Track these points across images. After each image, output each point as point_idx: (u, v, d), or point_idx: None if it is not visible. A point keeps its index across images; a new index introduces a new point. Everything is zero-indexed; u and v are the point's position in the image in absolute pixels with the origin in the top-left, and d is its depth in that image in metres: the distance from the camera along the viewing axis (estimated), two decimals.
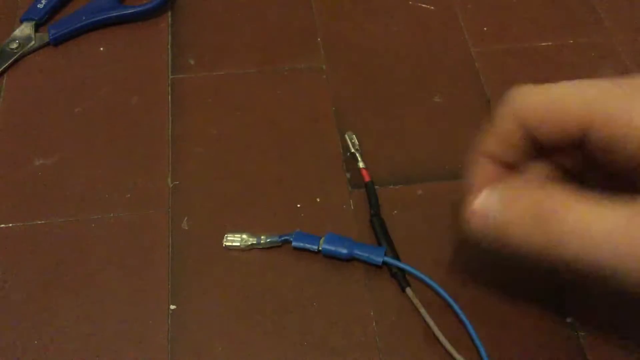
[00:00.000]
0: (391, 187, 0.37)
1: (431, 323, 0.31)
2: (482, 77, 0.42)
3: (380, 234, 0.34)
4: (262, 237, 0.34)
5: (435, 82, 0.41)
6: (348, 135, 0.38)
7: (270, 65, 0.42)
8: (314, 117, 0.39)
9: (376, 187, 0.36)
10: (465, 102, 0.40)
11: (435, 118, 0.39)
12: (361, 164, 0.36)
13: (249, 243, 0.34)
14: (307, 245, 0.33)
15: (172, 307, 0.32)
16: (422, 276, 0.32)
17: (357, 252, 0.33)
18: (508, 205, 0.23)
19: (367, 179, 0.36)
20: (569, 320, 0.32)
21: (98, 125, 0.39)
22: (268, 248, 0.34)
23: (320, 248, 0.33)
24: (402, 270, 0.33)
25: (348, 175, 0.37)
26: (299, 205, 0.36)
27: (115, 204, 0.36)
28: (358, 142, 0.38)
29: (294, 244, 0.33)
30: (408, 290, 0.32)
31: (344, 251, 0.33)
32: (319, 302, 0.32)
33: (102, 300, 0.32)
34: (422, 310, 0.32)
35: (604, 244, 0.20)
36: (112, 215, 0.35)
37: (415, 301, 0.32)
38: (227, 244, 0.34)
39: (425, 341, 0.31)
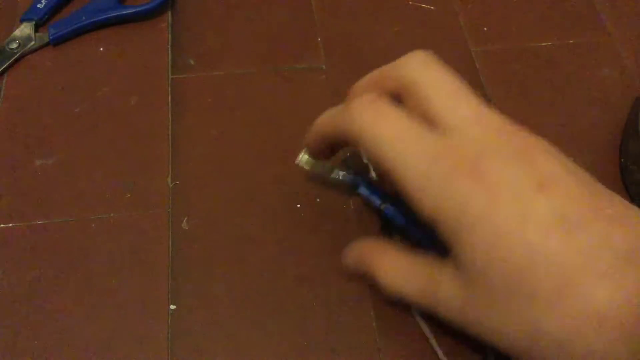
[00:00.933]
0: None
1: (433, 342, 0.31)
2: (482, 77, 0.42)
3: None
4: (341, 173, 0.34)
5: None
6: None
7: (271, 65, 0.42)
8: (314, 117, 0.39)
9: None
10: None
11: None
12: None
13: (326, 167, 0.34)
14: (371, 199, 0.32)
15: (172, 307, 0.32)
16: None
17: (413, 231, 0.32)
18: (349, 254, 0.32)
19: None
20: None
21: (98, 125, 0.39)
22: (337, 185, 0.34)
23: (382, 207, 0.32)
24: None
25: None
26: (298, 206, 0.36)
27: (116, 203, 0.36)
28: None
29: (361, 190, 0.33)
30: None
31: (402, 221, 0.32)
32: (319, 302, 0.33)
33: (102, 300, 0.32)
34: (426, 330, 0.31)
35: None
36: (112, 215, 0.35)
37: (418, 319, 0.31)
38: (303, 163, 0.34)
39: (426, 340, 0.31)
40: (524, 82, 0.42)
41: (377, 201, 0.32)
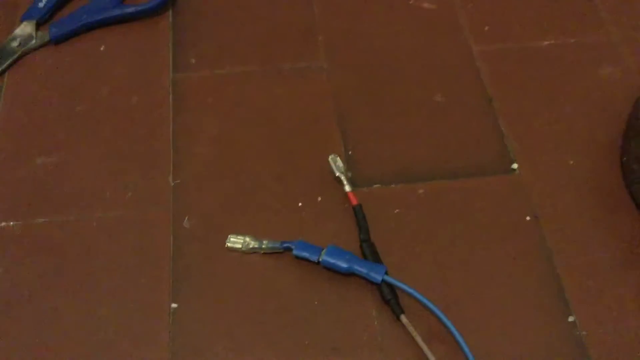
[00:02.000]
0: (393, 185, 0.37)
1: (426, 349, 0.31)
2: (483, 76, 0.41)
3: (372, 260, 0.33)
4: (265, 242, 0.34)
5: (436, 81, 0.41)
6: (332, 159, 0.36)
7: (272, 64, 0.42)
8: (315, 116, 0.39)
9: (378, 185, 0.36)
10: (466, 101, 0.40)
11: (436, 117, 0.39)
12: (347, 188, 0.35)
13: (251, 246, 0.34)
14: (308, 256, 0.33)
15: (174, 305, 0.32)
16: (418, 296, 0.32)
17: (357, 268, 0.32)
18: None
19: (354, 202, 0.35)
20: (570, 319, 0.32)
21: (99, 124, 0.39)
22: (270, 253, 0.34)
23: (320, 259, 0.33)
24: (396, 297, 0.32)
25: (349, 174, 0.37)
26: (300, 204, 0.36)
27: (117, 202, 0.36)
28: (354, 149, 0.37)
29: (295, 252, 0.33)
30: (403, 317, 0.32)
31: (344, 265, 0.33)
32: (321, 301, 0.32)
33: (103, 299, 0.32)
34: (419, 339, 0.31)
35: None
36: (113, 214, 0.35)
37: (411, 329, 0.31)
38: (229, 245, 0.34)
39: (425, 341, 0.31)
40: (525, 81, 0.41)
41: (313, 257, 0.33)
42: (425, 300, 0.32)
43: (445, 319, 0.31)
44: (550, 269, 0.34)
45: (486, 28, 0.44)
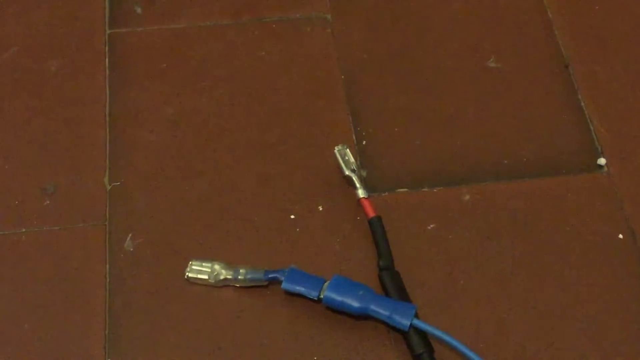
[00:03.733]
0: (425, 190, 0.36)
1: None
2: (557, 30, 0.42)
3: (396, 296, 0.33)
4: (241, 270, 0.33)
5: (490, 39, 0.41)
6: (339, 152, 0.36)
7: (252, 15, 0.42)
8: (315, 89, 0.40)
9: (404, 189, 0.36)
10: (533, 67, 0.40)
11: (489, 91, 0.40)
12: (361, 193, 0.35)
13: (222, 277, 0.33)
14: (304, 291, 0.33)
15: None
16: (464, 349, 0.31)
17: (374, 309, 0.32)
18: None
19: (370, 213, 0.35)
20: None
21: (3, 100, 0.39)
22: (249, 287, 0.34)
23: (321, 296, 0.33)
24: (430, 350, 0.32)
25: (364, 173, 0.37)
26: (292, 217, 0.35)
27: (28, 214, 0.35)
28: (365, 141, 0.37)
29: (285, 285, 0.33)
30: None
31: (355, 304, 0.32)
32: (322, 357, 0.32)
33: (12, 353, 0.32)
34: None
35: None
36: (23, 230, 0.35)
37: None
38: (191, 275, 0.34)
39: None
40: (617, 38, 0.42)
41: (312, 293, 0.33)
42: (473, 356, 0.31)
43: None
44: None
45: None
